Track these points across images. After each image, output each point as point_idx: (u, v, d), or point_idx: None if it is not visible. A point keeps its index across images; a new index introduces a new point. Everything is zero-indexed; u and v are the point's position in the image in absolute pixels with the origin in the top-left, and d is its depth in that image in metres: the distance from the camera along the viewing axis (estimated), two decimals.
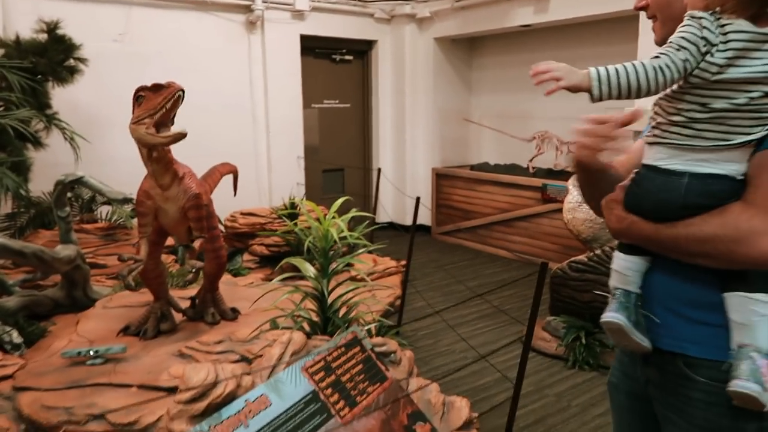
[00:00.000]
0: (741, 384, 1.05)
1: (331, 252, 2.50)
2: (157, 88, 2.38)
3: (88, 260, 3.82)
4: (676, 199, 1.11)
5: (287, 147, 6.23)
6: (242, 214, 4.98)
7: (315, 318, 2.57)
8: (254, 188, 6.04)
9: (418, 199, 3.77)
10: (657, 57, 1.04)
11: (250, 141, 5.99)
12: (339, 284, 2.65)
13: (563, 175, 5.59)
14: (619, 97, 1.08)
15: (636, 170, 1.21)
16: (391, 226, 6.92)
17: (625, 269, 1.22)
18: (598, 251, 3.46)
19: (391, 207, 6.97)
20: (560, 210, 5.51)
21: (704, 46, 1.02)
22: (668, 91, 1.10)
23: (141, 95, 2.42)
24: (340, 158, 6.97)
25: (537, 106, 6.21)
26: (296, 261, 2.58)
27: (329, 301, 2.53)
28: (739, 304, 1.08)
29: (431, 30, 6.63)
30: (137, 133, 2.43)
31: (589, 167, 1.24)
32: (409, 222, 6.95)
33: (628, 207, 1.19)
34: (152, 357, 2.75)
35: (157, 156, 2.51)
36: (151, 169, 2.56)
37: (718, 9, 1.03)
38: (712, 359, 1.14)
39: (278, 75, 5.99)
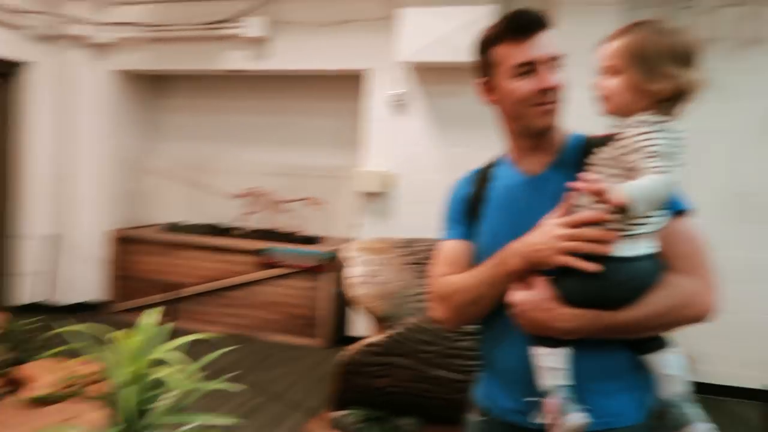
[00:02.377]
0: (706, 425, 1.14)
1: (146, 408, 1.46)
2: None
3: None
4: (642, 284, 1.15)
5: None
6: None
7: None
8: None
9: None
10: (662, 172, 1.04)
11: None
12: None
13: (286, 237, 5.09)
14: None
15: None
16: (35, 308, 5.26)
17: (560, 363, 1.18)
18: (396, 330, 3.06)
19: (43, 280, 5.28)
20: (285, 275, 5.01)
21: None
22: None
23: None
24: None
25: (244, 160, 5.61)
26: None
27: None
28: (671, 360, 1.18)
29: (112, 60, 5.39)
30: None
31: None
32: (68, 299, 5.38)
33: (576, 302, 1.16)
34: None
35: None
36: None
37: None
38: (633, 424, 1.21)
39: None
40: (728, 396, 3.94)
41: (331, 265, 4.77)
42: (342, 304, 4.92)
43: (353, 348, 3.17)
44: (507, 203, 1.34)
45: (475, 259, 1.36)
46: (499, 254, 1.26)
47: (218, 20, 4.93)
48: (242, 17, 4.85)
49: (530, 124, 1.30)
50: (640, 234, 1.12)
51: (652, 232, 1.14)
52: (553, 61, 1.26)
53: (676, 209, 1.19)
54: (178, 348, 1.86)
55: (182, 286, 5.26)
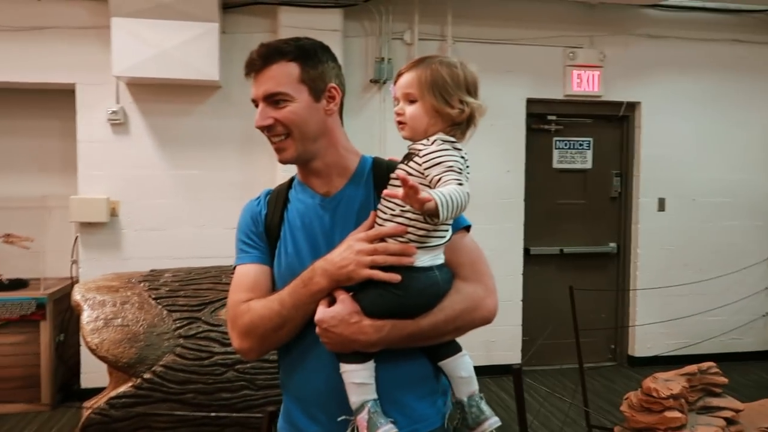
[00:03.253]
0: (496, 419, 1.26)
1: None
2: None
3: None
4: (440, 290, 1.24)
5: None
6: None
7: None
8: None
9: None
10: (461, 184, 1.13)
11: None
12: None
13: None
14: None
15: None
16: None
17: (367, 378, 1.20)
18: (147, 375, 2.74)
19: None
20: None
21: None
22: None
23: None
24: None
25: None
26: None
27: None
28: (465, 363, 1.28)
29: None
30: None
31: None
32: None
33: (380, 314, 1.19)
34: None
35: None
36: None
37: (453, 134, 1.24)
38: (436, 428, 1.29)
39: None
40: None
41: (49, 311, 4.07)
42: (69, 354, 4.25)
43: (93, 404, 2.77)
44: (304, 224, 1.32)
45: (277, 284, 1.32)
46: (302, 275, 1.23)
47: None
48: None
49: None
50: (435, 246, 1.21)
51: (443, 245, 1.23)
52: (269, 99, 1.26)
53: (458, 225, 1.30)
54: None
55: None
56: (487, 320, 1.30)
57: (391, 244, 1.18)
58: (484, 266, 1.33)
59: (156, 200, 4.27)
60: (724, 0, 4.85)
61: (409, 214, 1.17)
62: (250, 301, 1.29)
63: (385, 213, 1.21)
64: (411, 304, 1.21)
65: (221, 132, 4.29)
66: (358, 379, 1.19)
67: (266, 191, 1.44)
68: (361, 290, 1.21)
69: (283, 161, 1.31)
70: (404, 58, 4.46)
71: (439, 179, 1.13)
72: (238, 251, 1.38)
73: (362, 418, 1.17)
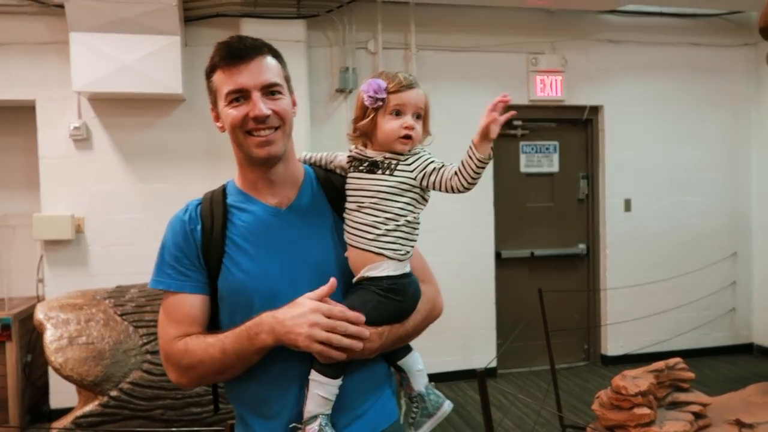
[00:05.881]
0: (449, 403, 1.38)
1: None
2: None
3: None
4: (418, 293, 1.34)
5: None
6: None
7: None
8: None
9: None
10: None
11: None
12: None
13: None
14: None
15: (362, 284, 1.27)
16: None
17: (332, 395, 1.21)
18: (114, 393, 2.70)
19: None
20: None
21: None
22: (410, 219, 1.28)
23: None
24: None
25: None
26: None
27: None
28: (418, 357, 1.38)
29: None
30: None
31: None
32: None
33: (379, 321, 1.24)
34: None
35: None
36: None
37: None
38: (395, 421, 1.35)
39: None
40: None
41: (14, 332, 3.97)
42: (37, 375, 4.15)
43: (59, 426, 2.71)
44: (259, 237, 1.27)
45: (237, 304, 1.25)
46: (247, 325, 1.18)
47: None
48: None
49: (250, 152, 1.25)
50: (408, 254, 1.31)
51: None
52: (266, 89, 1.23)
53: None
54: None
55: None
56: (438, 316, 1.42)
57: (350, 326, 1.17)
58: (429, 268, 1.45)
59: (122, 215, 4.21)
60: (680, 5, 4.98)
61: (404, 228, 1.26)
62: (186, 337, 1.23)
63: (376, 230, 1.25)
64: (408, 308, 1.31)
65: (186, 145, 4.26)
66: (325, 394, 1.20)
67: (195, 202, 1.33)
68: (355, 300, 1.24)
69: (270, 155, 1.24)
70: (369, 68, 4.49)
71: (442, 165, 1.27)
72: (163, 273, 1.27)
73: (312, 428, 1.18)
